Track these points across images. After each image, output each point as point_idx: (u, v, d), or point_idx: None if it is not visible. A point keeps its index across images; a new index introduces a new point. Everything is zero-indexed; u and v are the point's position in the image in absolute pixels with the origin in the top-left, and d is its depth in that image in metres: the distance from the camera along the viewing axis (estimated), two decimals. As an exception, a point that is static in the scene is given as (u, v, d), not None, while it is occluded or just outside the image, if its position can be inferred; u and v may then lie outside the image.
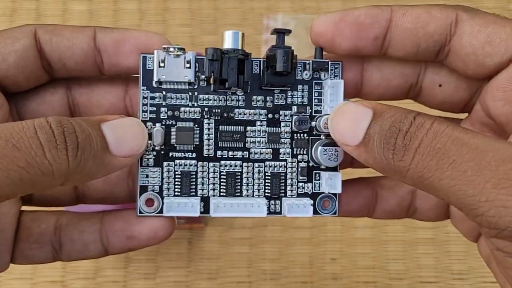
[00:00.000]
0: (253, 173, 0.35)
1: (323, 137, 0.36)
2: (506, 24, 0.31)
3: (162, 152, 0.35)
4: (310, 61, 0.35)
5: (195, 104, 0.35)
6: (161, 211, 0.34)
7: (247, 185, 0.35)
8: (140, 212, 0.34)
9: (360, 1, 0.74)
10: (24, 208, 0.37)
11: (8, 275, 0.61)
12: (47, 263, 0.36)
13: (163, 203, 0.34)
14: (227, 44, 0.34)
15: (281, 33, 0.34)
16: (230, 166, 0.35)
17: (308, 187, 0.36)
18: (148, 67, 0.34)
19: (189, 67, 0.34)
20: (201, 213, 0.34)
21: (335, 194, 0.36)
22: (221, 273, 0.64)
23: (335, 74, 0.35)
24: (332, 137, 0.33)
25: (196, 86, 0.35)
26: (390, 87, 0.35)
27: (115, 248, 0.36)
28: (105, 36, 0.34)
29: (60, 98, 0.36)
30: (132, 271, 0.63)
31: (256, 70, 0.35)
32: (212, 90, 0.35)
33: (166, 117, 0.35)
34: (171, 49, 0.33)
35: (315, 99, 0.36)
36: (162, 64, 0.34)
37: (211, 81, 0.34)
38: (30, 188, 0.27)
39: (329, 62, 0.35)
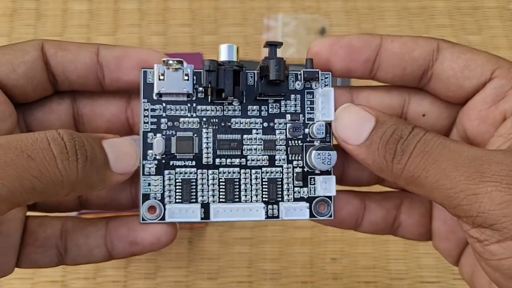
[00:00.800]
0: (250, 179, 0.37)
1: (317, 143, 0.38)
2: (480, 52, 0.35)
3: (163, 161, 0.37)
4: (301, 71, 0.37)
5: (194, 115, 0.37)
6: (163, 218, 0.36)
7: (245, 190, 0.37)
8: (143, 219, 0.36)
9: (360, 1, 0.75)
10: (29, 213, 0.38)
11: (9, 274, 0.62)
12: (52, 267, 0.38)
13: (165, 210, 0.36)
14: (223, 57, 0.36)
15: (273, 45, 0.36)
16: (229, 173, 0.37)
17: (304, 192, 0.38)
18: (149, 81, 0.36)
19: (187, 80, 0.36)
20: (201, 218, 0.36)
21: (330, 198, 0.38)
22: (222, 273, 0.65)
23: (326, 83, 0.38)
24: (334, 134, 0.36)
25: (194, 98, 0.37)
26: None
27: (119, 253, 0.37)
28: (107, 52, 0.36)
29: (66, 108, 0.38)
30: (133, 271, 0.64)
31: (250, 81, 0.37)
32: (209, 101, 0.37)
33: (166, 127, 0.37)
34: (170, 62, 0.35)
35: (307, 107, 0.38)
36: (161, 77, 0.36)
37: (209, 93, 0.37)
38: (40, 196, 0.29)
39: (319, 72, 0.37)
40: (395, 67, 0.36)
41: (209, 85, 0.35)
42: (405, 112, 0.38)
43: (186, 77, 0.36)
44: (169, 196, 0.37)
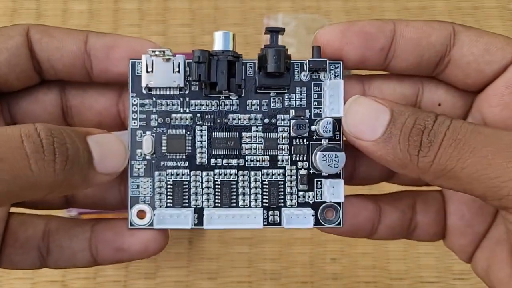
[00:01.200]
0: (249, 182, 0.33)
1: (324, 142, 0.33)
2: (497, 35, 0.32)
3: (153, 161, 0.32)
4: (307, 61, 0.32)
5: (187, 110, 0.32)
6: (153, 224, 0.32)
7: (243, 194, 0.33)
8: (131, 225, 0.32)
9: (360, 1, 0.73)
10: (13, 209, 0.35)
11: (9, 275, 0.60)
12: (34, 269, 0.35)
13: (154, 215, 0.32)
14: (217, 46, 0.31)
15: (274, 32, 0.31)
16: (225, 174, 0.33)
17: (309, 196, 0.33)
18: (138, 73, 0.32)
19: (178, 71, 0.31)
20: (194, 225, 0.32)
21: (339, 204, 0.33)
22: (222, 273, 0.62)
23: (335, 74, 0.32)
24: (345, 132, 0.31)
25: (187, 91, 0.32)
26: None
27: (104, 258, 0.34)
28: (96, 40, 0.32)
29: (53, 98, 0.34)
30: (133, 271, 0.61)
31: (250, 72, 0.32)
32: (204, 95, 0.32)
33: (156, 124, 0.32)
34: (157, 53, 0.31)
35: (314, 101, 0.33)
36: (150, 69, 0.31)
37: (203, 86, 0.32)
38: (15, 199, 0.27)
39: (328, 61, 0.32)
40: (411, 54, 0.32)
41: (199, 79, 0.30)
42: (419, 101, 0.34)
43: (177, 69, 0.31)
44: (160, 200, 0.32)
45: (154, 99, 0.32)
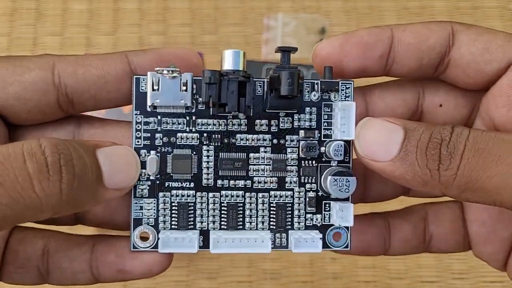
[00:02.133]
0: (256, 204, 0.31)
1: (334, 164, 0.31)
2: (498, 32, 0.30)
3: (158, 182, 0.30)
4: (319, 81, 0.31)
5: (193, 130, 0.30)
6: (156, 246, 0.30)
7: (250, 217, 0.31)
8: (134, 247, 0.30)
9: (360, 1, 0.73)
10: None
11: None
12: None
13: (158, 238, 0.30)
14: (227, 65, 0.29)
15: (286, 51, 0.30)
16: (232, 196, 0.31)
17: (317, 219, 0.31)
18: (142, 89, 0.30)
19: (186, 90, 0.30)
20: (200, 247, 0.30)
21: (347, 227, 0.31)
22: (222, 272, 0.62)
23: (346, 95, 0.31)
24: (359, 155, 0.29)
25: (193, 110, 0.30)
26: (395, 116, 0.32)
27: (106, 279, 0.32)
28: (140, 58, 0.30)
29: (65, 135, 0.32)
30: None
31: (259, 91, 0.31)
32: (211, 114, 0.31)
33: (161, 143, 0.30)
34: (165, 72, 0.29)
35: (324, 122, 0.31)
36: (156, 87, 0.29)
37: (210, 104, 0.30)
38: (14, 223, 0.24)
39: (340, 82, 0.31)
40: (411, 59, 0.31)
41: (210, 100, 0.28)
42: (421, 104, 0.33)
43: (184, 88, 0.29)
44: (164, 222, 0.31)
45: (159, 117, 0.30)
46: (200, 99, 0.30)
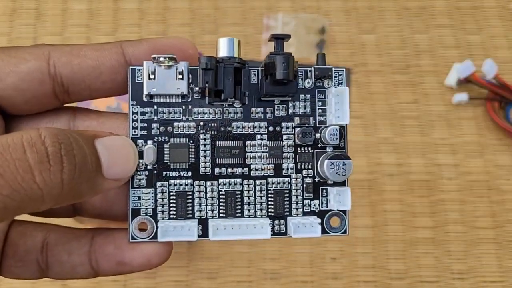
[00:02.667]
0: (254, 191, 0.31)
1: (329, 150, 0.31)
2: None
3: (155, 171, 0.30)
4: (312, 68, 0.31)
5: (189, 119, 0.31)
6: (155, 236, 0.30)
7: (249, 204, 0.31)
8: (133, 238, 0.30)
9: (360, 1, 0.73)
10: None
11: None
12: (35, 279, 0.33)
13: (157, 228, 0.30)
14: (222, 52, 0.30)
15: (279, 38, 0.30)
16: (229, 184, 0.31)
17: (314, 205, 0.31)
18: (138, 80, 0.30)
19: (182, 79, 0.30)
20: (199, 236, 0.30)
21: (344, 211, 0.31)
22: (221, 272, 0.62)
23: (340, 82, 0.31)
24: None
25: (190, 99, 0.30)
26: None
27: (105, 271, 0.32)
28: (135, 49, 0.30)
29: (60, 126, 0.31)
30: None
31: (254, 79, 0.31)
32: (207, 102, 0.31)
33: (158, 133, 0.30)
34: (161, 59, 0.29)
35: (318, 109, 0.32)
36: (152, 76, 0.29)
37: (206, 93, 0.30)
38: (15, 214, 0.24)
39: (333, 69, 0.31)
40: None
41: (207, 86, 0.29)
42: None
43: (180, 76, 0.30)
44: (162, 212, 0.30)
45: (155, 107, 0.30)
46: (196, 88, 0.30)
